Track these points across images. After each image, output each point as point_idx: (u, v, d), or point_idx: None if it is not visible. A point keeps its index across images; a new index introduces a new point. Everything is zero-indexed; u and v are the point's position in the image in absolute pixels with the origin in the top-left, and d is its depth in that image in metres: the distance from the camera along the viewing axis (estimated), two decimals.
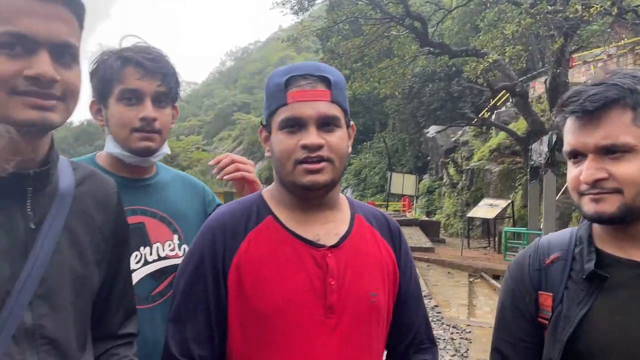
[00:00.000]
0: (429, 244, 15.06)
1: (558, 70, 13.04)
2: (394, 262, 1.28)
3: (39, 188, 0.96)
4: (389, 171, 28.95)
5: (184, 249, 1.48)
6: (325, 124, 1.16)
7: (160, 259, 1.46)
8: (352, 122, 1.27)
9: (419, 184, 26.45)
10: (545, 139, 12.49)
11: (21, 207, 0.94)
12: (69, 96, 0.95)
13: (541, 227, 12.40)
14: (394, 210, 26.13)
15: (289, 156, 1.16)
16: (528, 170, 14.16)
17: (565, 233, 1.20)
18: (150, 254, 1.45)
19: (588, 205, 1.04)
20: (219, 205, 1.62)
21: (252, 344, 1.14)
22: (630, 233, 1.07)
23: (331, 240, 1.20)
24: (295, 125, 1.15)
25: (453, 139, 23.59)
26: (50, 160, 0.98)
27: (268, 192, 1.29)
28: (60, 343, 0.92)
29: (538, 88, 18.73)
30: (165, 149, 1.48)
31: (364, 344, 1.17)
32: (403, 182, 26.24)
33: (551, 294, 1.11)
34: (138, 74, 1.38)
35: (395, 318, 1.29)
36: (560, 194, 12.17)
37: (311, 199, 1.21)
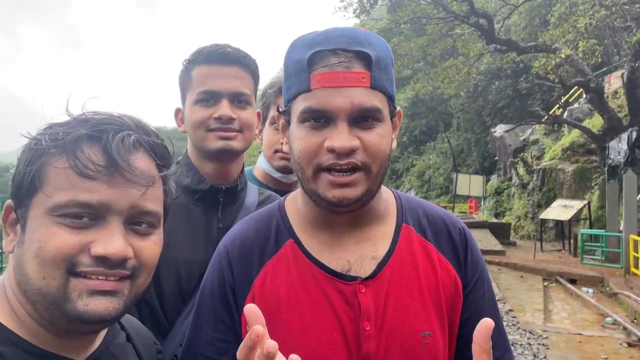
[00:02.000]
0: (499, 247, 14.65)
1: (637, 64, 12.33)
2: (457, 283, 0.98)
3: (229, 200, 1.34)
4: (454, 172, 28.37)
5: None
6: (362, 118, 0.88)
7: None
8: (398, 108, 0.98)
9: (486, 184, 25.75)
10: (625, 136, 11.86)
11: (216, 212, 1.32)
12: (245, 129, 1.32)
13: (621, 228, 11.80)
14: (460, 212, 25.57)
15: (310, 159, 0.89)
16: (605, 169, 13.48)
17: None
18: None
19: None
20: None
21: None
22: None
23: (366, 269, 0.93)
24: (320, 118, 0.88)
25: (522, 137, 22.81)
26: (239, 181, 1.36)
27: (292, 202, 1.03)
28: None
29: (614, 83, 17.78)
30: None
31: None
32: (469, 183, 25.65)
33: None
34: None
35: (461, 346, 0.98)
36: None
37: (341, 213, 0.94)
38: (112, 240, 0.71)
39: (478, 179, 25.86)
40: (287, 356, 0.81)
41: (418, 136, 37.44)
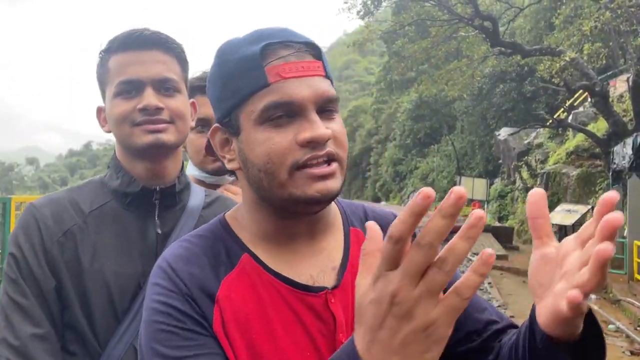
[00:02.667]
0: (502, 252, 14.57)
1: None
2: None
3: (167, 203, 1.19)
4: (458, 175, 28.31)
5: None
6: (326, 108, 0.83)
7: None
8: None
9: (489, 188, 25.65)
10: (630, 140, 11.75)
11: (152, 217, 1.18)
12: (176, 119, 1.17)
13: (625, 234, 11.68)
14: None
15: (282, 160, 0.79)
16: (610, 174, 13.38)
17: None
18: None
19: None
20: None
21: None
22: None
23: (330, 279, 0.87)
24: (286, 113, 0.80)
25: (526, 141, 22.71)
26: (178, 181, 1.21)
27: (234, 219, 0.93)
28: None
29: (619, 86, 17.67)
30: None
31: None
32: (473, 187, 25.55)
33: None
34: None
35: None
36: None
37: (308, 216, 0.86)
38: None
39: (482, 182, 25.78)
40: None
41: (422, 138, 37.37)
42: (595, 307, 9.20)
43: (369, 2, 19.26)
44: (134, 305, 1.09)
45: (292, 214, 0.85)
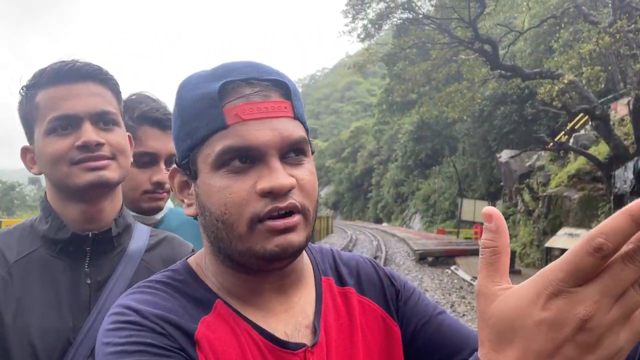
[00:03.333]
0: None
1: None
2: (385, 319, 0.88)
3: (101, 249, 1.09)
4: (460, 197, 28.21)
5: None
6: (292, 153, 0.76)
7: None
8: (310, 140, 0.84)
9: None
10: (630, 164, 11.70)
11: (82, 266, 1.07)
12: (118, 154, 1.10)
13: None
14: (465, 238, 25.31)
15: (241, 211, 0.72)
16: (611, 198, 13.28)
17: None
18: None
19: None
20: None
21: None
22: None
23: (307, 337, 0.80)
24: (245, 159, 0.73)
25: (528, 163, 22.67)
26: (115, 224, 1.12)
27: (198, 266, 0.83)
28: None
29: (620, 110, 17.67)
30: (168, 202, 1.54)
31: None
32: (474, 209, 25.47)
33: None
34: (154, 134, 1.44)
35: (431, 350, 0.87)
36: None
37: (273, 272, 0.79)
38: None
39: (483, 205, 25.65)
40: None
41: (423, 160, 37.41)
42: None
43: (369, 26, 19.42)
44: None
45: (255, 270, 0.78)
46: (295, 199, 0.74)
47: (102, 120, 1.08)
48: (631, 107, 13.15)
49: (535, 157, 22.33)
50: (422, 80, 19.36)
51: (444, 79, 19.80)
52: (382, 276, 0.92)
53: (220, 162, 0.73)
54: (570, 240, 14.72)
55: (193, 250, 1.19)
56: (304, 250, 0.83)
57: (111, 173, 1.07)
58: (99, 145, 1.05)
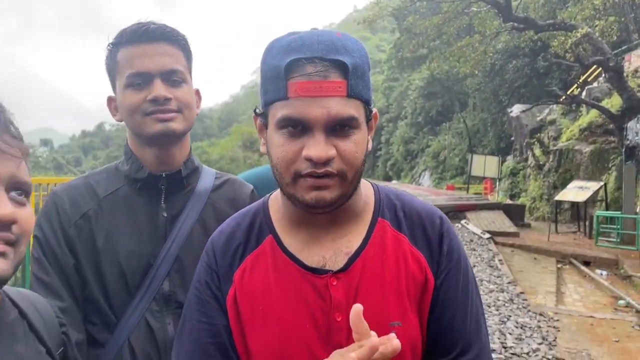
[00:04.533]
0: (513, 229, 14.59)
1: None
2: (427, 274, 1.00)
3: (174, 188, 1.27)
4: (470, 153, 28.13)
5: None
6: (338, 127, 0.89)
7: None
8: (374, 110, 0.99)
9: (501, 165, 25.52)
10: None
11: (159, 202, 1.25)
12: (184, 108, 1.24)
13: (637, 210, 11.65)
14: (475, 194, 25.42)
15: (288, 166, 0.91)
16: (623, 150, 13.25)
17: None
18: None
19: None
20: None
21: None
22: None
23: (338, 263, 0.96)
24: (297, 127, 0.89)
25: (539, 118, 22.49)
26: (184, 167, 1.29)
27: (274, 201, 1.07)
28: None
29: (634, 61, 17.35)
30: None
31: None
32: (485, 164, 25.43)
33: None
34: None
35: (431, 336, 1.00)
36: None
37: (318, 213, 0.97)
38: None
39: (493, 160, 25.64)
40: (267, 346, 0.94)
41: (434, 116, 37.09)
42: (606, 284, 9.26)
43: None
44: (145, 282, 1.19)
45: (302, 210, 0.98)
46: (333, 166, 0.90)
47: (171, 78, 1.22)
48: None
49: (546, 111, 22.13)
50: (433, 34, 19.06)
51: (455, 33, 19.46)
52: (442, 240, 1.02)
53: (280, 125, 0.91)
54: (580, 193, 14.80)
55: (253, 191, 1.38)
56: (369, 191, 1.05)
57: (176, 124, 1.23)
58: (167, 99, 1.20)
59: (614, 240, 12.50)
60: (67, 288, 1.17)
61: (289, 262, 0.98)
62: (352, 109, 0.90)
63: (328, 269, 0.96)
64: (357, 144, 0.92)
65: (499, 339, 5.90)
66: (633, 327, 6.82)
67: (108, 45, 1.24)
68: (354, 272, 0.96)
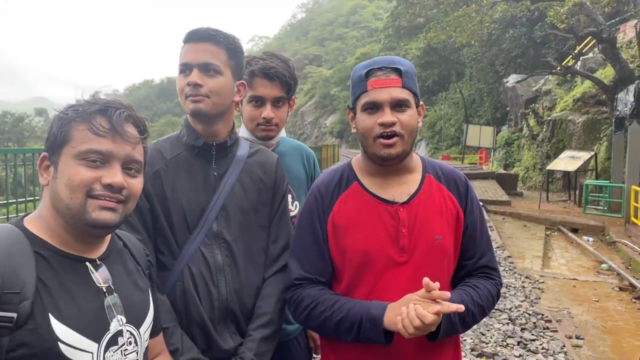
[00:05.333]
0: (504, 197, 14.96)
1: None
2: (458, 209, 1.53)
3: (221, 154, 1.63)
4: (465, 123, 28.31)
5: (296, 205, 1.97)
6: (398, 105, 1.43)
7: None
8: (421, 103, 1.52)
9: (496, 135, 25.75)
10: (632, 87, 11.85)
11: (211, 163, 1.61)
12: (213, 95, 1.56)
13: (624, 179, 11.99)
14: (470, 163, 25.72)
15: (369, 132, 1.45)
16: (613, 121, 13.52)
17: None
18: None
19: None
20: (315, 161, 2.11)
21: (347, 274, 1.48)
22: None
23: (403, 198, 1.49)
24: (374, 107, 1.44)
25: (534, 88, 22.59)
26: (229, 138, 1.64)
27: (356, 161, 1.59)
28: (230, 244, 1.58)
29: (629, 32, 17.43)
30: (282, 134, 2.02)
31: (429, 276, 1.33)
32: (480, 134, 25.67)
33: None
34: (263, 82, 1.87)
35: (462, 248, 1.55)
36: None
37: (387, 166, 1.49)
38: (116, 175, 1.08)
39: (489, 130, 25.86)
40: (356, 245, 1.46)
41: (430, 86, 37.01)
42: (591, 249, 9.68)
43: None
44: (200, 222, 1.55)
45: (383, 164, 1.49)
46: (396, 129, 1.43)
47: (207, 69, 1.53)
48: (638, 29, 13.12)
49: (542, 81, 22.22)
50: (430, 3, 19.06)
51: (452, 3, 19.44)
52: (467, 191, 1.58)
53: (363, 108, 1.46)
54: (571, 163, 15.12)
55: (277, 159, 1.75)
56: (417, 157, 1.59)
57: (203, 106, 1.53)
58: (198, 85, 1.52)
59: (602, 208, 12.91)
60: (142, 225, 1.52)
61: (370, 197, 1.51)
62: (405, 94, 1.45)
63: (397, 201, 1.49)
64: (410, 116, 1.45)
65: None
66: (613, 288, 7.24)
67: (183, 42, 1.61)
68: (413, 204, 1.50)
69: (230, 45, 1.57)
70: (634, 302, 6.70)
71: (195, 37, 1.54)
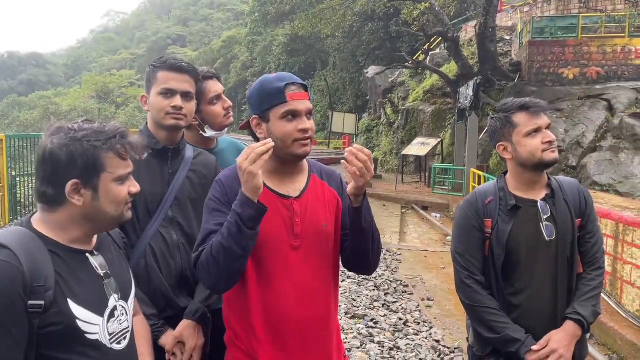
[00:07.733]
0: None
1: (486, 19, 13.97)
2: (338, 200, 1.80)
3: (175, 155, 2.02)
4: (331, 110, 29.52)
5: None
6: (309, 114, 1.68)
7: None
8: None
9: (358, 122, 27.31)
10: (471, 83, 13.50)
11: (167, 163, 1.98)
12: (189, 115, 2.03)
13: (464, 163, 13.73)
14: (335, 148, 26.98)
15: (290, 136, 1.64)
16: (456, 111, 15.25)
17: (491, 184, 2.09)
18: None
19: (550, 155, 1.94)
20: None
21: (253, 256, 1.64)
22: (534, 180, 2.01)
23: (296, 194, 1.73)
24: (294, 115, 1.64)
25: (391, 79, 24.24)
26: (181, 144, 2.04)
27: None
28: (183, 226, 1.94)
29: (470, 31, 19.52)
30: (223, 133, 2.35)
31: (318, 256, 1.70)
32: (344, 121, 27.07)
33: (491, 219, 2.00)
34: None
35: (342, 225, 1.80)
36: (482, 134, 13.47)
37: (294, 164, 1.73)
38: (135, 185, 1.43)
39: (351, 117, 27.35)
40: (261, 232, 1.59)
41: (297, 73, 37.48)
42: (438, 224, 11.08)
43: None
44: (159, 209, 1.92)
45: (289, 162, 1.72)
46: (310, 133, 1.66)
47: (186, 96, 1.96)
48: (477, 30, 14.94)
49: (397, 73, 23.96)
50: None
51: None
52: (339, 182, 1.85)
53: (283, 116, 1.64)
54: (422, 148, 16.82)
55: (215, 160, 2.13)
56: (304, 160, 1.78)
57: (182, 123, 1.96)
58: (181, 108, 1.94)
59: (447, 188, 14.67)
60: None
61: (271, 193, 1.70)
62: (311, 106, 1.71)
63: (291, 195, 1.71)
64: (313, 124, 1.71)
65: None
66: None
67: (150, 65, 1.99)
68: (304, 198, 1.74)
69: (197, 77, 2.02)
70: None
71: (179, 69, 1.95)
